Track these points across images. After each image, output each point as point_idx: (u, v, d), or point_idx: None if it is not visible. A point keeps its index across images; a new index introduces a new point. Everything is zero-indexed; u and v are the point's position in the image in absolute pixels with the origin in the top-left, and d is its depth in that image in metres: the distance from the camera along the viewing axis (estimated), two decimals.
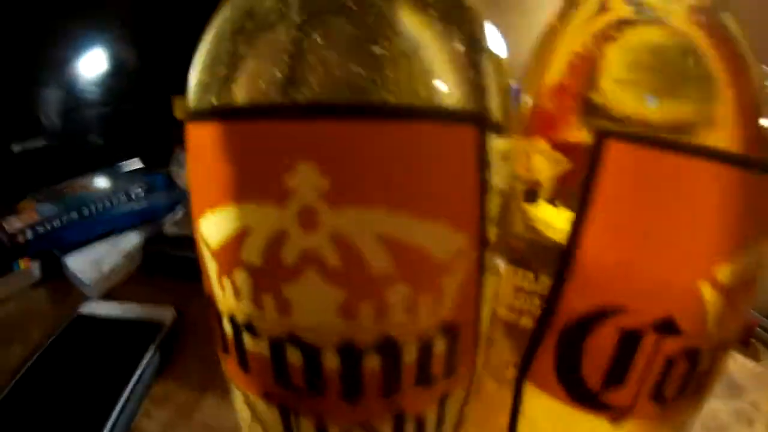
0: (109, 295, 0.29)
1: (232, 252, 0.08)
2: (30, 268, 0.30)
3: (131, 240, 0.33)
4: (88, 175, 0.41)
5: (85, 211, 0.33)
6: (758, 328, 0.26)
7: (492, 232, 0.09)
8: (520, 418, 0.13)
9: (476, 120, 0.08)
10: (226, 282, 0.09)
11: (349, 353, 0.08)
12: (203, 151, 0.09)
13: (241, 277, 0.08)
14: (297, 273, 0.08)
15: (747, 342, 0.26)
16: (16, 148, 0.41)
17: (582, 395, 0.11)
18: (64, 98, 0.45)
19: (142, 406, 0.19)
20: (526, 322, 0.12)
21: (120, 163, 0.46)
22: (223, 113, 0.08)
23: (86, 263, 0.31)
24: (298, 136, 0.07)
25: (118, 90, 0.48)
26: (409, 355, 0.09)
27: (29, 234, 0.30)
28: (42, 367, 0.21)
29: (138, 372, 0.20)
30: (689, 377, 0.11)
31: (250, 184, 0.08)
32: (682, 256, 0.10)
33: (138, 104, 0.50)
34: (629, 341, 0.11)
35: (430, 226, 0.08)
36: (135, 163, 0.48)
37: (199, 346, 0.23)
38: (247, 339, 0.09)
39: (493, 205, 0.09)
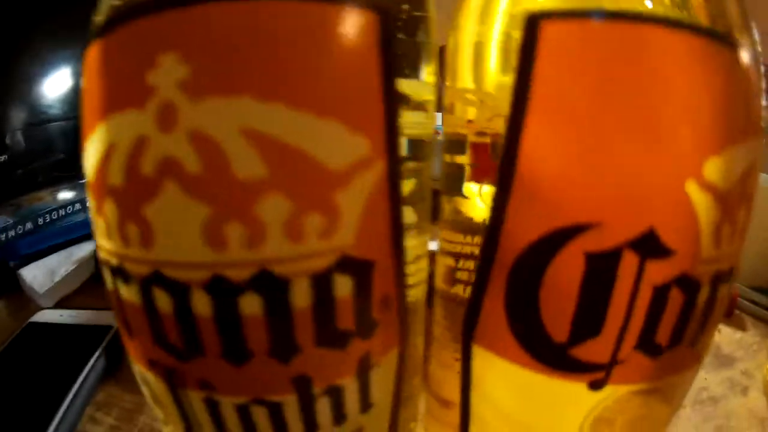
0: (61, 304, 0.28)
1: (101, 179, 0.07)
2: None
3: (86, 249, 0.32)
4: (49, 188, 0.40)
5: (40, 221, 0.32)
6: (740, 299, 0.25)
7: (403, 151, 0.08)
8: (472, 393, 0.10)
9: (380, 10, 0.07)
10: (99, 220, 0.08)
11: (222, 292, 0.07)
12: (87, 75, 0.08)
13: (109, 208, 0.07)
14: (156, 187, 0.06)
15: (731, 312, 0.25)
16: None
17: (546, 353, 0.09)
18: (27, 115, 0.44)
19: (86, 411, 0.18)
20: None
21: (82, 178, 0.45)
22: (97, 31, 0.08)
23: (40, 273, 0.29)
24: (162, 29, 0.07)
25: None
26: (300, 299, 0.07)
27: None
28: None
29: (82, 375, 0.19)
30: (686, 317, 0.08)
31: (115, 94, 0.07)
32: (657, 150, 0.07)
33: None
34: (602, 270, 0.08)
35: (314, 122, 0.06)
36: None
37: None
38: (121, 288, 0.08)
39: (408, 122, 0.09)
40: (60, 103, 0.46)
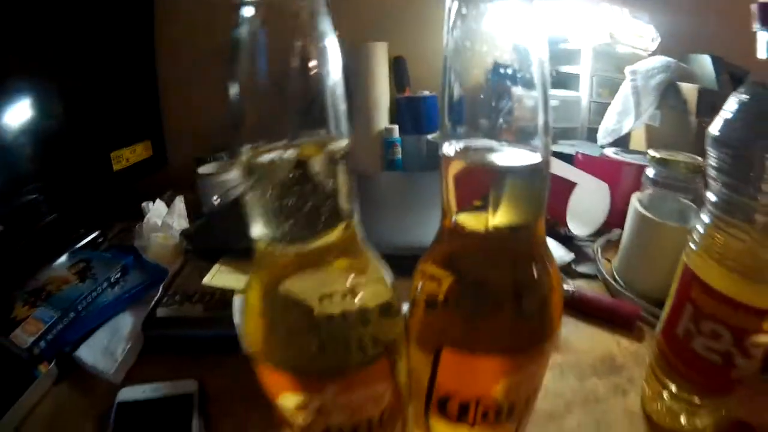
0: (126, 378, 0.34)
1: None
2: (49, 370, 0.34)
3: (125, 323, 0.38)
4: (53, 262, 0.45)
5: (80, 308, 0.38)
6: (642, 313, 0.36)
7: None
8: None
9: None
10: None
11: None
12: None
13: None
14: None
15: (632, 328, 0.36)
16: None
17: None
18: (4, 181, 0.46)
19: None
20: None
21: (76, 241, 0.49)
22: None
23: (98, 355, 0.36)
24: None
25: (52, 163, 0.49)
26: None
27: (42, 344, 0.35)
28: None
29: None
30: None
31: None
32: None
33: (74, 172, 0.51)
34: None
35: None
36: (85, 235, 0.51)
37: (222, 404, 0.31)
38: None
39: None
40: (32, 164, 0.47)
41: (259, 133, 0.15)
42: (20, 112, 0.46)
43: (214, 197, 0.53)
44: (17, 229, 0.47)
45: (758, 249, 0.21)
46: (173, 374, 0.32)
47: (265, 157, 0.14)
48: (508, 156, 0.16)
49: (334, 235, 0.16)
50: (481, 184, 0.16)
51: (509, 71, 0.15)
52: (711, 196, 0.24)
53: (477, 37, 0.15)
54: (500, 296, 0.17)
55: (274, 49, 0.13)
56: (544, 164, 0.16)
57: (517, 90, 0.15)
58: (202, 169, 0.56)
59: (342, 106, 0.15)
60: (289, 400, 0.17)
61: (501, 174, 0.16)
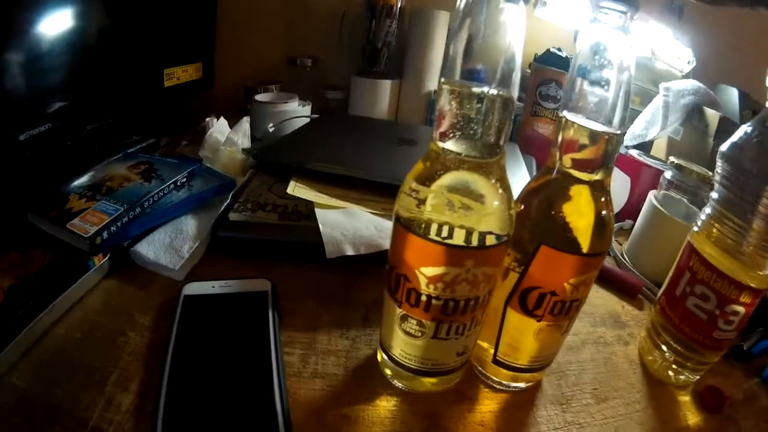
0: (187, 277, 0.38)
1: None
2: (102, 263, 0.37)
3: (189, 224, 0.42)
4: (109, 160, 0.48)
5: (145, 205, 0.41)
6: (644, 288, 0.45)
7: None
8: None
9: None
10: None
11: None
12: None
13: None
14: None
15: (635, 296, 0.45)
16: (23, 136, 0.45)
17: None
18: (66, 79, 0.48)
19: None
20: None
21: (132, 144, 0.52)
22: None
23: (160, 251, 0.39)
24: None
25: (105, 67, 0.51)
26: None
27: (105, 235, 0.37)
28: (185, 345, 0.29)
29: (272, 329, 0.30)
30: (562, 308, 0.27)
31: None
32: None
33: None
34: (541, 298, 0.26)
35: None
36: (140, 142, 0.54)
37: (293, 302, 0.35)
38: None
39: None
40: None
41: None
42: (84, 18, 0.47)
43: (270, 124, 0.57)
44: (66, 128, 0.48)
45: (744, 240, 0.30)
46: (239, 276, 0.36)
47: (470, 89, 0.21)
48: (605, 128, 0.23)
49: (489, 157, 0.23)
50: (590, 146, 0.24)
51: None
52: (714, 194, 0.33)
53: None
54: (588, 217, 0.25)
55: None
56: (622, 136, 0.24)
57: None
58: (260, 97, 0.60)
59: (517, 72, 0.21)
60: (432, 270, 0.23)
61: (608, 140, 0.23)
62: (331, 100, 0.80)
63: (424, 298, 0.24)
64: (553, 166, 0.25)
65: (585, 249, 0.25)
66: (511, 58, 0.21)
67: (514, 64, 0.21)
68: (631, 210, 0.54)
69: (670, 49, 0.69)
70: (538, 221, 0.26)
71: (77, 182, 0.43)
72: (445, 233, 0.23)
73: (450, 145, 0.22)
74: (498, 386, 0.31)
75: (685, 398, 0.34)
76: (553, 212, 0.25)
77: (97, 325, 0.32)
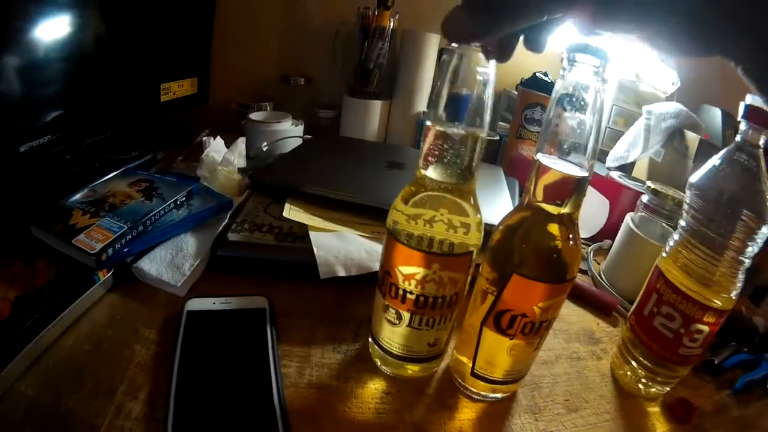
0: (189, 293, 0.42)
1: None
2: (107, 278, 0.40)
3: (189, 242, 0.46)
4: (109, 176, 0.52)
5: (148, 223, 0.46)
6: (619, 306, 0.50)
7: None
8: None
9: None
10: None
11: None
12: None
13: None
14: None
15: (609, 314, 0.50)
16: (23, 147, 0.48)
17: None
18: (62, 92, 0.52)
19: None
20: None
21: (130, 160, 0.57)
22: None
23: (162, 268, 0.43)
24: None
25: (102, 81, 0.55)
26: None
27: (110, 252, 0.40)
28: (191, 358, 0.33)
29: (270, 344, 0.34)
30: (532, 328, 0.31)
31: None
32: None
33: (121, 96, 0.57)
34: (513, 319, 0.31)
35: None
36: (139, 157, 0.58)
37: (289, 319, 0.39)
38: None
39: None
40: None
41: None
42: (82, 32, 0.51)
43: (264, 143, 0.62)
44: (66, 141, 0.52)
45: (709, 267, 0.34)
46: (237, 293, 0.40)
47: (453, 130, 0.27)
48: (574, 169, 0.28)
49: (460, 182, 0.29)
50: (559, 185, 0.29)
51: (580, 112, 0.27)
52: (682, 222, 0.37)
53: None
54: (555, 248, 0.29)
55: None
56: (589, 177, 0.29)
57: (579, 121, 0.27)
58: (254, 116, 0.65)
59: (489, 113, 0.27)
60: (407, 269, 0.30)
61: (577, 181, 0.28)
62: (324, 118, 0.85)
63: (401, 291, 0.31)
64: (527, 202, 0.30)
65: (552, 277, 0.29)
66: (481, 104, 0.27)
67: (483, 108, 0.27)
68: (611, 230, 0.59)
69: (654, 72, 0.75)
70: (511, 251, 0.30)
71: (79, 196, 0.47)
72: (416, 241, 0.30)
73: (430, 171, 0.29)
74: (476, 396, 0.36)
75: (655, 409, 0.38)
76: (524, 245, 0.30)
77: (103, 337, 0.36)
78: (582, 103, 0.26)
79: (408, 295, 0.31)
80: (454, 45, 0.26)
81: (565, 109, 0.27)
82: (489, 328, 0.32)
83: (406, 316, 0.32)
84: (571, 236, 0.30)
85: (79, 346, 0.34)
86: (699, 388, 0.41)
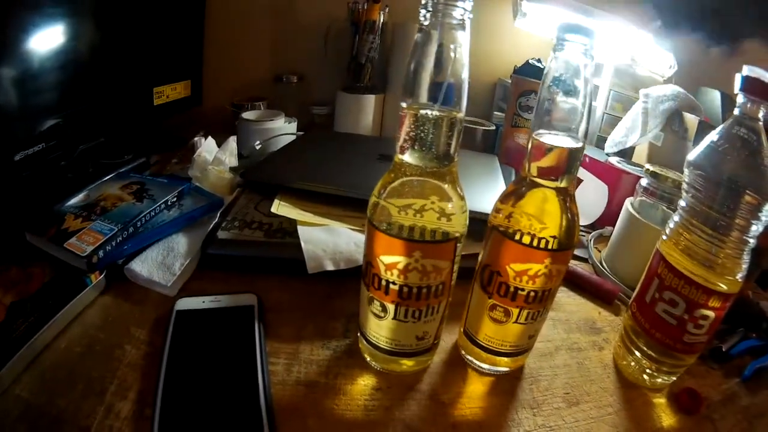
0: (180, 292, 0.41)
1: None
2: (99, 280, 0.40)
3: (180, 242, 0.46)
4: (102, 180, 0.51)
5: (138, 224, 0.45)
6: (621, 294, 0.48)
7: None
8: None
9: None
10: None
11: None
12: None
13: None
14: None
15: (611, 302, 0.47)
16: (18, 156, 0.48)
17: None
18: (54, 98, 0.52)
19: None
20: None
21: (124, 164, 0.56)
22: None
23: (153, 268, 0.42)
24: None
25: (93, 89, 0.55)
26: None
27: (101, 254, 0.40)
28: (178, 357, 0.32)
29: (258, 341, 0.34)
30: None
31: None
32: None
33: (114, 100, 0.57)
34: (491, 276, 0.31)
35: None
36: (132, 161, 0.58)
37: (279, 315, 0.39)
38: None
39: None
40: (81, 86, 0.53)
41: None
42: (75, 39, 0.51)
43: (256, 142, 0.61)
44: (60, 148, 0.52)
45: (714, 248, 0.32)
46: (227, 291, 0.39)
47: (426, 111, 0.26)
48: (569, 142, 0.27)
49: (440, 167, 0.28)
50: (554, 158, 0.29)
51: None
52: (682, 203, 0.35)
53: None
54: (548, 214, 0.30)
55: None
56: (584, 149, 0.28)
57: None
58: (246, 115, 0.64)
59: (465, 96, 0.26)
60: (389, 258, 0.29)
61: (569, 152, 0.28)
62: (317, 115, 0.84)
63: (384, 282, 0.30)
64: (525, 176, 0.30)
65: (525, 240, 0.30)
66: (456, 85, 0.25)
67: (461, 89, 0.26)
68: (611, 217, 0.57)
69: (651, 55, 0.72)
70: (504, 214, 0.32)
71: (72, 201, 0.47)
72: (396, 229, 0.28)
73: (407, 156, 0.28)
74: (480, 370, 0.37)
75: (661, 400, 0.36)
76: (512, 207, 0.31)
77: (96, 339, 0.35)
78: (573, 81, 0.27)
79: (391, 286, 0.30)
80: (425, 23, 0.25)
81: (557, 86, 0.27)
82: (477, 283, 0.34)
83: (391, 308, 0.31)
84: (563, 207, 0.29)
85: (72, 348, 0.34)
86: (706, 377, 0.39)
